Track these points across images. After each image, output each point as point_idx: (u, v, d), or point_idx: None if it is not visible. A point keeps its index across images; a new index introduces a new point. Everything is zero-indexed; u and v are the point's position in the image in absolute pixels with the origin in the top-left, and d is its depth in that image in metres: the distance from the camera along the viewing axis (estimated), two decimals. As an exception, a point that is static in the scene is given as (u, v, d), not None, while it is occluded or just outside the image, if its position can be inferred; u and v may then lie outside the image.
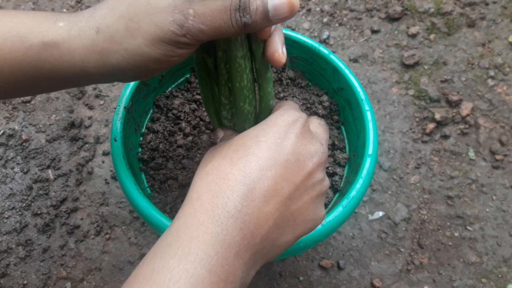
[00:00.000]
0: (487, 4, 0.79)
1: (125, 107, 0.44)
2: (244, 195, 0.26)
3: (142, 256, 0.57)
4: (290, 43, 0.49)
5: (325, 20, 0.78)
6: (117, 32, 0.27)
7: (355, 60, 0.73)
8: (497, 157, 0.65)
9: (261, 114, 0.38)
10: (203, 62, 0.35)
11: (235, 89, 0.34)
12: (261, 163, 0.27)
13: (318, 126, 0.35)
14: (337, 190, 0.46)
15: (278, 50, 0.31)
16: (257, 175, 0.27)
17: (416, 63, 0.73)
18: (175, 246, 0.25)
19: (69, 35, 0.28)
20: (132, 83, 0.45)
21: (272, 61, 0.31)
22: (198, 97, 0.51)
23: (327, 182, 0.31)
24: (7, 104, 0.69)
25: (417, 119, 0.68)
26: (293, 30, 0.76)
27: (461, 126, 0.68)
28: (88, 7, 0.55)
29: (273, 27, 0.31)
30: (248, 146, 0.28)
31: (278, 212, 0.27)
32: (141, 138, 0.48)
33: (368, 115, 0.44)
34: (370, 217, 0.61)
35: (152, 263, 0.24)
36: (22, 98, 0.69)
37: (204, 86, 0.37)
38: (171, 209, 0.44)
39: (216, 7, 0.26)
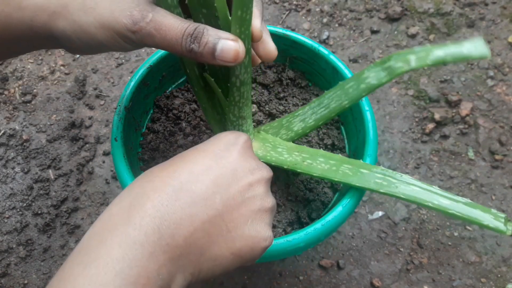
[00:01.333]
0: (486, 5, 0.79)
1: (125, 107, 0.44)
2: (167, 194, 0.25)
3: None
4: (290, 43, 0.49)
5: (325, 20, 0.78)
6: (73, 2, 0.28)
7: (354, 61, 0.73)
8: (497, 157, 0.65)
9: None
10: (197, 78, 0.36)
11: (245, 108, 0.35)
12: (194, 168, 0.27)
13: None
14: (337, 190, 0.46)
15: (271, 47, 0.33)
16: (186, 177, 0.26)
17: (416, 63, 0.73)
18: (83, 253, 0.23)
19: None
20: (132, 84, 0.45)
21: (265, 58, 0.33)
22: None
23: (271, 200, 0.30)
24: (7, 104, 0.69)
25: (416, 119, 0.69)
26: (293, 30, 0.77)
27: (461, 126, 0.68)
28: None
29: (262, 27, 0.32)
30: (185, 155, 0.28)
31: (206, 216, 0.25)
32: (142, 138, 0.48)
33: (368, 115, 0.44)
34: (370, 217, 0.61)
35: (60, 272, 0.23)
36: (23, 98, 0.69)
37: (201, 98, 0.38)
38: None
39: (173, 24, 0.28)
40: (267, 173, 0.30)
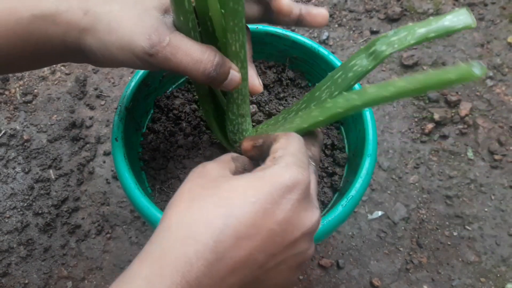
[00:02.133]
0: (486, 5, 0.79)
1: (126, 107, 0.44)
2: (210, 264, 0.23)
3: (142, 255, 0.57)
4: (290, 44, 0.50)
5: (324, 20, 0.78)
6: (100, 23, 0.30)
7: (354, 61, 0.74)
8: (496, 157, 0.65)
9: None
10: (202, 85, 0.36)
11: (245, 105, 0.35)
12: (239, 230, 0.23)
13: (312, 179, 0.30)
14: (337, 190, 0.46)
15: (255, 83, 0.35)
16: (231, 243, 0.23)
17: (415, 64, 0.73)
18: None
19: (57, 10, 0.30)
20: (132, 84, 0.46)
21: (253, 92, 0.35)
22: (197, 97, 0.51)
23: (312, 251, 0.27)
24: (8, 104, 0.69)
25: (416, 119, 0.69)
26: (293, 31, 0.77)
27: (460, 126, 0.68)
28: None
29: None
30: (233, 203, 0.24)
31: (242, 284, 0.24)
32: (142, 138, 0.49)
33: (368, 115, 0.44)
34: (370, 217, 0.61)
35: None
36: (23, 98, 0.69)
37: (204, 103, 0.38)
38: (172, 208, 0.44)
39: (190, 49, 0.29)
40: (317, 223, 0.26)
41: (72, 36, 0.31)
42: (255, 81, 0.35)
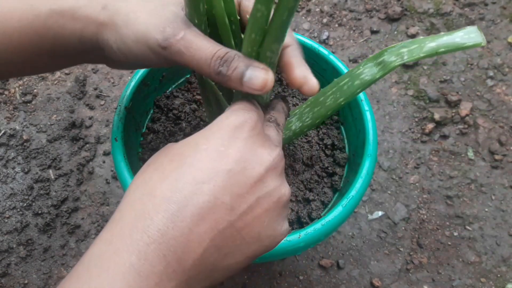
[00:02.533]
0: (486, 5, 0.79)
1: (125, 107, 0.44)
2: (171, 215, 0.22)
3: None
4: (290, 43, 0.50)
5: (324, 20, 0.78)
6: (119, 16, 0.29)
7: (354, 61, 0.73)
8: (496, 157, 0.65)
9: None
10: (207, 84, 0.36)
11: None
12: (197, 176, 0.24)
13: (269, 126, 0.31)
14: (337, 190, 0.46)
15: (314, 84, 0.30)
16: (190, 190, 0.23)
17: (415, 63, 0.73)
18: (83, 280, 0.22)
19: (76, 4, 0.30)
20: (132, 84, 0.45)
21: (309, 94, 0.30)
22: (199, 97, 0.51)
23: (286, 190, 0.27)
24: (8, 104, 0.69)
25: (416, 119, 0.69)
26: (293, 31, 0.77)
27: (460, 126, 0.68)
28: None
29: (307, 72, 0.30)
30: (186, 155, 0.25)
31: (216, 231, 0.23)
32: (142, 138, 0.49)
33: (368, 115, 0.44)
34: (370, 217, 0.61)
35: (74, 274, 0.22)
36: (23, 98, 0.69)
37: (207, 104, 0.38)
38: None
39: (204, 44, 0.28)
40: (278, 158, 0.27)
41: (90, 31, 0.30)
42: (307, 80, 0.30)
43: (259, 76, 0.27)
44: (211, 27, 0.31)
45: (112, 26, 0.30)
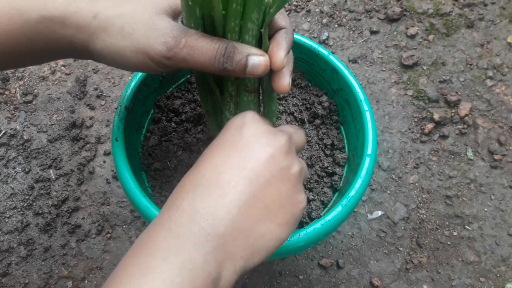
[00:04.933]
0: (485, 5, 0.79)
1: (126, 107, 0.44)
2: (198, 192, 0.27)
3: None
4: (289, 44, 0.50)
5: (324, 21, 0.78)
6: (112, 27, 0.30)
7: (354, 61, 0.74)
8: (496, 157, 0.65)
9: None
10: (204, 80, 0.36)
11: (242, 103, 0.35)
12: (215, 162, 0.28)
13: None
14: (337, 190, 0.46)
15: (285, 82, 0.32)
16: (210, 174, 0.28)
17: (415, 64, 0.73)
18: (138, 248, 0.26)
19: (66, 11, 0.31)
20: (133, 84, 0.46)
21: (278, 90, 0.33)
22: (199, 97, 0.51)
23: (298, 163, 0.30)
24: (8, 104, 0.69)
25: (415, 119, 0.69)
26: (293, 31, 0.77)
27: (460, 126, 0.68)
28: None
29: (285, 59, 0.32)
30: (206, 154, 0.30)
31: (241, 202, 0.27)
32: (142, 138, 0.49)
33: (367, 115, 0.44)
34: (369, 217, 0.61)
35: (132, 259, 0.26)
36: (24, 98, 0.69)
37: (205, 101, 0.38)
38: (172, 208, 0.44)
39: (205, 46, 0.30)
40: (285, 138, 0.30)
41: (81, 38, 0.31)
42: (284, 78, 0.33)
43: (260, 63, 0.30)
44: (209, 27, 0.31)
45: (105, 37, 0.30)
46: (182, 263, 0.24)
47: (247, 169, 0.28)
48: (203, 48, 0.30)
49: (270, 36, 0.32)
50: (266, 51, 0.32)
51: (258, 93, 0.36)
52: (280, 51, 0.31)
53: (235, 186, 0.27)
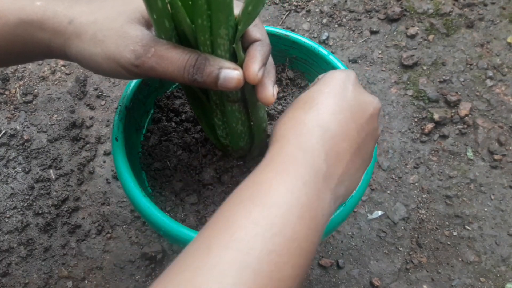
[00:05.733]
0: (485, 5, 0.79)
1: (126, 107, 0.44)
2: (322, 134, 0.29)
3: (143, 255, 0.57)
4: (290, 44, 0.50)
5: (324, 21, 0.78)
6: (86, 33, 0.31)
7: (354, 61, 0.74)
8: (496, 157, 0.65)
9: (255, 134, 0.39)
10: (190, 88, 0.36)
11: (227, 112, 0.35)
12: (330, 109, 0.30)
13: None
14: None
15: (268, 93, 0.33)
16: (329, 119, 0.30)
17: (415, 64, 0.73)
18: (270, 167, 0.27)
19: (44, 15, 0.31)
20: (133, 84, 0.46)
21: (262, 102, 0.33)
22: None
23: (379, 130, 0.34)
24: (8, 104, 0.69)
25: (415, 119, 0.69)
26: (292, 31, 0.77)
27: (460, 126, 0.68)
28: None
29: (260, 72, 0.31)
30: (315, 97, 0.31)
31: (352, 149, 0.30)
32: (142, 138, 0.49)
33: (367, 115, 0.44)
34: (369, 217, 0.61)
35: (253, 178, 0.27)
36: (24, 98, 0.69)
37: (195, 107, 0.38)
38: (172, 208, 0.44)
39: (174, 56, 0.30)
40: (377, 103, 0.33)
41: (58, 42, 0.32)
42: (267, 89, 0.33)
43: (232, 77, 0.30)
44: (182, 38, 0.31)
45: (79, 43, 0.31)
46: (318, 195, 0.27)
47: (357, 123, 0.31)
48: (172, 58, 0.30)
49: (246, 49, 0.32)
50: (241, 64, 0.31)
51: (244, 102, 0.36)
52: (254, 65, 0.31)
53: (348, 134, 0.30)
